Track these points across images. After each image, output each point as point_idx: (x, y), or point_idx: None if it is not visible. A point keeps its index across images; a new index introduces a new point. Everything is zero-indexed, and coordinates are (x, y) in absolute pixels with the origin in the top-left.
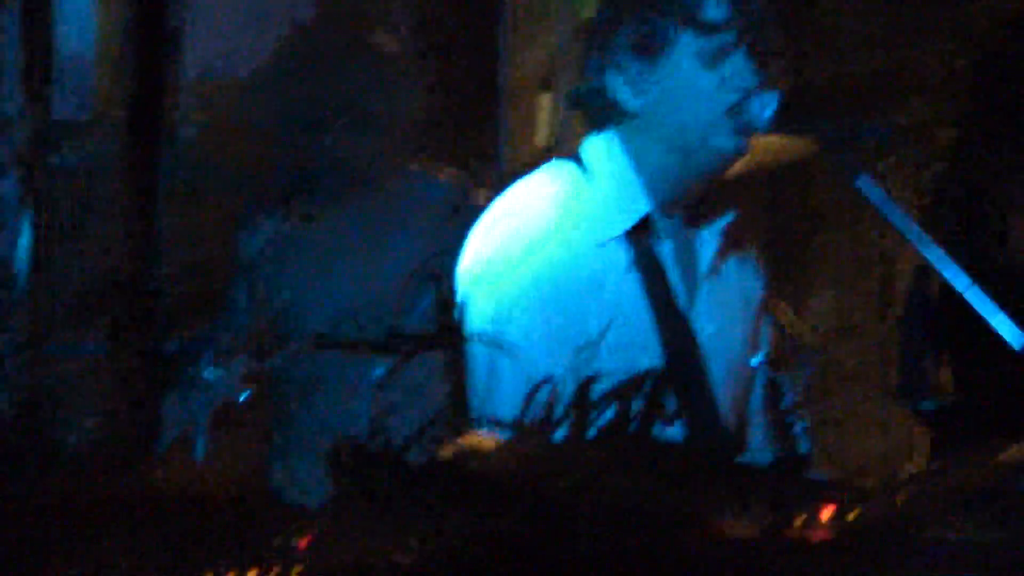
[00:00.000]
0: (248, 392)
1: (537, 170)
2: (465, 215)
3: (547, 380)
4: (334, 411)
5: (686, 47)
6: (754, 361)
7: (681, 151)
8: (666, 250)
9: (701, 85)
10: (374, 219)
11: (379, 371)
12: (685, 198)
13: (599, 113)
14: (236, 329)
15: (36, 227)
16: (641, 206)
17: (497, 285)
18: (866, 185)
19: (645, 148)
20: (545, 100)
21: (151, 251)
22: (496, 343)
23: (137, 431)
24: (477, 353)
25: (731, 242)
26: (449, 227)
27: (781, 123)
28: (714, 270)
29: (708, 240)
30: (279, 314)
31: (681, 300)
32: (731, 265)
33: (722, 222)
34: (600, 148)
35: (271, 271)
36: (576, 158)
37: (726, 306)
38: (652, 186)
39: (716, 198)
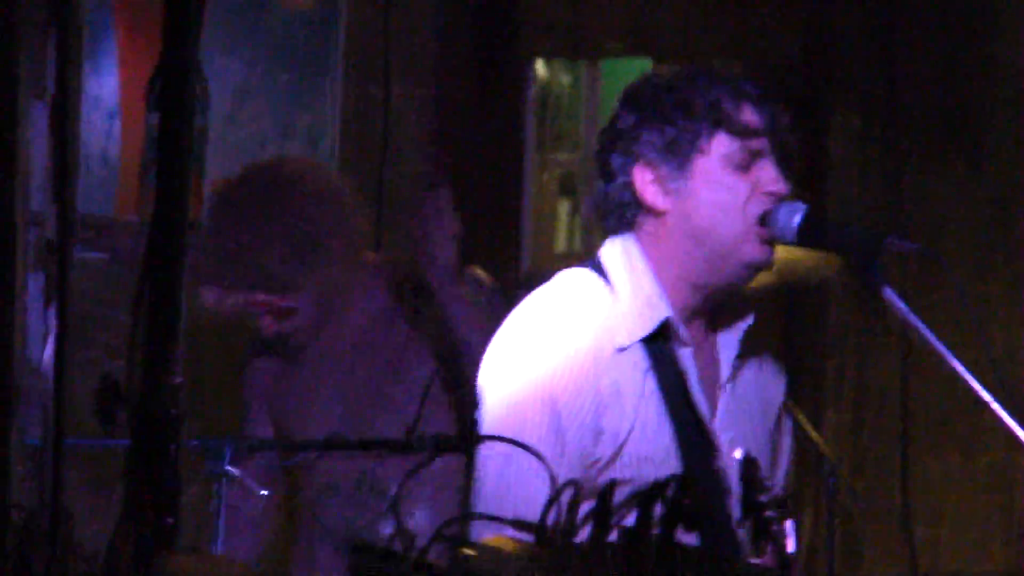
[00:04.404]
0: (269, 490)
1: (556, 278)
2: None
3: (570, 483)
4: (353, 510)
5: (719, 149)
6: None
7: (706, 258)
8: (686, 357)
9: (732, 189)
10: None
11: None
12: (706, 305)
13: (622, 213)
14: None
15: (60, 322)
16: (660, 312)
17: (515, 394)
18: (891, 296)
19: (668, 253)
20: (566, 205)
21: (171, 348)
22: (511, 447)
23: (158, 524)
24: (488, 457)
25: (750, 347)
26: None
27: (807, 234)
28: (733, 376)
29: (728, 346)
30: (292, 419)
31: (702, 407)
32: (751, 369)
33: (742, 326)
34: (620, 253)
35: (280, 388)
36: (596, 263)
37: (745, 411)
38: (673, 292)
39: (736, 305)
